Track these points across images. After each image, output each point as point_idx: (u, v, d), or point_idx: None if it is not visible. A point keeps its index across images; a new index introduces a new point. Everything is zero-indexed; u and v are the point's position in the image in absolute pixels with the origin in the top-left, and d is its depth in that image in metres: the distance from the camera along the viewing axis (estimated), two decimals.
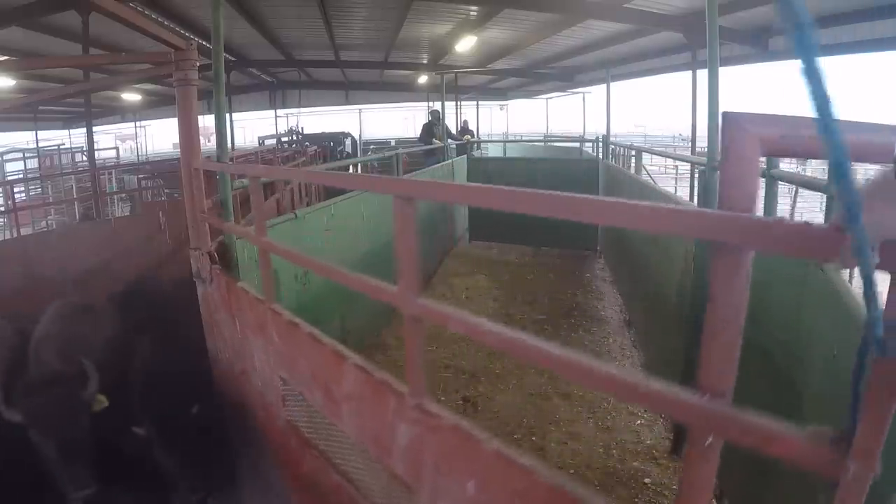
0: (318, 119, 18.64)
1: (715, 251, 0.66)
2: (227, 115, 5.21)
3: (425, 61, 12.49)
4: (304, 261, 1.60)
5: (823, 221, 2.06)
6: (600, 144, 7.66)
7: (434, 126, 9.19)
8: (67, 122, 17.10)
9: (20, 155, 13.85)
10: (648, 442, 3.19)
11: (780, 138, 0.64)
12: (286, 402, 1.77)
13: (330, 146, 12.79)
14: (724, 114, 0.65)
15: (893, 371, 0.58)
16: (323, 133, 14.35)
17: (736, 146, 0.65)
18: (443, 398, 3.66)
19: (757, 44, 7.81)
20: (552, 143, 13.30)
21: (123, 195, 9.37)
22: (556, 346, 0.81)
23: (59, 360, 2.48)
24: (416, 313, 1.04)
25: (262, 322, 1.81)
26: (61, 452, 2.17)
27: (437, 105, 9.18)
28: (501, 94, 18.47)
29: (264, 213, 1.87)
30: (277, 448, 1.91)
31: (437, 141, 8.56)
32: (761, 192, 2.81)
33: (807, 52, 0.51)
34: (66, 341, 2.61)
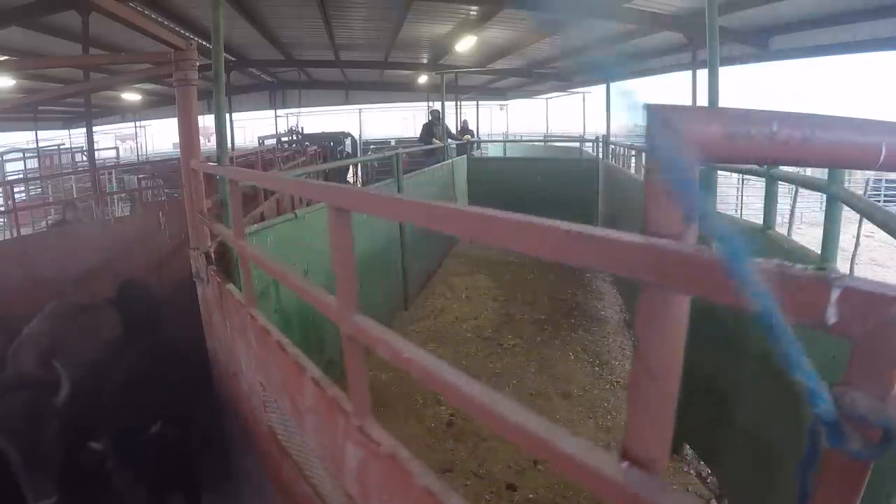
0: (318, 119, 18.64)
1: (641, 286, 0.53)
2: (227, 115, 5.21)
3: (425, 61, 12.48)
4: (268, 268, 1.58)
5: (824, 225, 2.00)
6: (600, 144, 7.67)
7: (434, 126, 9.18)
8: (67, 122, 17.08)
9: (20, 155, 13.84)
10: None
11: (726, 138, 0.49)
12: (266, 407, 1.76)
13: (330, 146, 12.78)
14: (648, 107, 0.50)
15: (850, 468, 0.45)
16: (323, 133, 14.34)
17: (665, 150, 0.49)
18: (442, 398, 3.66)
19: (757, 44, 7.81)
20: (552, 143, 13.31)
21: (123, 195, 9.36)
22: (470, 381, 0.71)
23: (36, 362, 2.40)
24: (351, 332, 0.98)
25: (244, 326, 1.81)
26: (24, 458, 2.10)
27: (437, 105, 9.18)
28: (501, 94, 18.46)
29: (242, 216, 1.86)
30: (263, 452, 1.91)
31: (437, 141, 8.56)
32: (760, 194, 2.81)
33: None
34: (49, 344, 2.53)
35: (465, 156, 8.51)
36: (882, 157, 0.51)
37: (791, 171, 2.54)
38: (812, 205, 10.89)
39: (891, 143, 0.50)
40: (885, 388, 0.41)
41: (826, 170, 2.03)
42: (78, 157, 14.18)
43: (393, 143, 14.79)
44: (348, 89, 16.79)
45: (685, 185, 0.49)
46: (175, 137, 4.38)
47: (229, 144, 5.72)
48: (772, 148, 0.49)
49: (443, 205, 0.74)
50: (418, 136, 9.89)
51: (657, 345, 0.52)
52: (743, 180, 10.32)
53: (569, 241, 0.55)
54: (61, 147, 15.00)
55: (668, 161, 0.49)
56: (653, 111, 0.50)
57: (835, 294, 0.40)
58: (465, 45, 9.47)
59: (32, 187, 11.52)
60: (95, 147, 7.95)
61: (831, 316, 0.40)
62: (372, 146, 15.92)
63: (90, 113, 7.37)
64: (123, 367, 2.57)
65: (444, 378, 0.74)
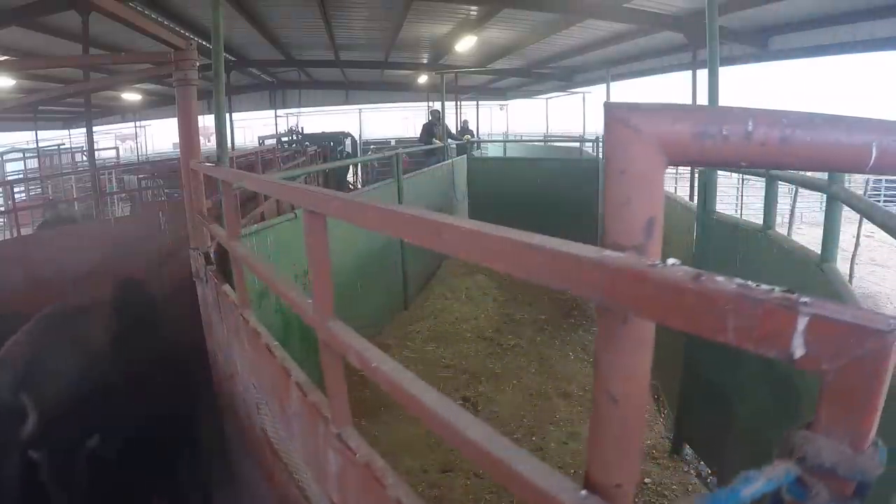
0: (318, 119, 18.62)
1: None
2: (227, 115, 5.21)
3: (425, 61, 12.49)
4: (255, 269, 1.58)
5: (824, 225, 2.01)
6: (600, 144, 7.67)
7: (434, 126, 9.19)
8: (67, 122, 17.08)
9: (20, 155, 13.84)
10: (648, 442, 3.19)
11: (695, 139, 0.44)
12: (259, 409, 1.76)
13: (330, 146, 12.78)
14: (606, 105, 0.46)
15: None
16: (323, 133, 14.35)
17: (622, 154, 0.45)
18: None
19: (757, 44, 7.81)
20: (552, 143, 13.30)
21: (123, 195, 9.37)
22: (436, 397, 0.69)
23: (10, 385, 2.24)
24: (325, 338, 0.97)
25: (237, 327, 1.80)
26: None
27: (437, 105, 9.18)
28: (501, 94, 18.46)
29: (235, 216, 1.86)
30: (258, 454, 1.90)
31: (437, 141, 8.56)
32: (760, 194, 2.81)
33: None
34: (25, 368, 2.35)
35: (464, 156, 8.51)
36: (873, 159, 0.45)
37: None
38: (812, 205, 10.89)
39: (883, 143, 0.45)
40: (859, 435, 0.36)
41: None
42: (78, 157, 14.19)
43: (393, 143, 14.79)
44: (348, 89, 16.79)
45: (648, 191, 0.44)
46: (175, 137, 4.38)
47: (229, 144, 5.73)
48: (747, 149, 0.44)
49: (396, 210, 0.71)
50: (418, 136, 9.89)
51: (618, 369, 0.47)
52: (743, 180, 10.32)
53: (517, 252, 0.50)
54: (61, 147, 15.00)
55: (627, 164, 0.44)
56: (610, 110, 0.45)
57: (802, 322, 0.34)
58: (465, 45, 9.46)
59: (32, 187, 11.52)
60: (95, 147, 7.96)
61: (797, 348, 0.34)
62: (372, 146, 15.91)
63: (90, 113, 7.37)
64: (111, 377, 2.48)
65: (407, 391, 0.73)
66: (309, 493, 1.33)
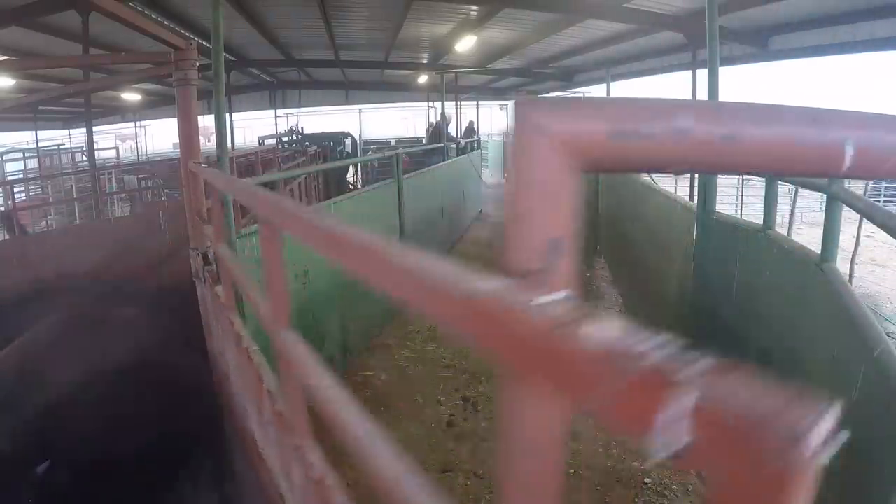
0: (318, 119, 18.62)
1: None
2: (227, 115, 5.21)
3: (425, 61, 12.48)
4: (232, 273, 1.58)
5: (824, 225, 1.99)
6: None
7: (442, 127, 9.22)
8: (67, 122, 17.08)
9: (20, 155, 13.83)
10: None
11: (617, 139, 0.35)
12: (247, 412, 1.76)
13: (330, 146, 12.77)
14: (515, 101, 0.39)
15: None
16: (323, 133, 14.33)
17: (524, 158, 0.36)
18: (442, 398, 3.66)
19: (757, 44, 7.81)
20: None
21: (123, 195, 9.37)
22: (359, 420, 0.69)
23: None
24: (280, 348, 0.95)
25: (228, 328, 1.81)
26: None
27: (437, 105, 9.19)
28: (501, 94, 18.45)
29: (223, 219, 1.87)
30: (250, 457, 1.90)
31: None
32: (760, 194, 2.80)
33: None
34: (17, 381, 2.38)
35: (465, 156, 8.51)
36: (847, 161, 0.37)
37: None
38: (812, 205, 10.88)
39: (860, 140, 0.37)
40: None
41: None
42: (78, 157, 14.17)
43: (393, 143, 14.79)
44: (348, 89, 16.78)
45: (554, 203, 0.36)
46: (175, 137, 4.38)
47: (229, 144, 5.72)
48: (684, 150, 0.36)
49: (335, 230, 0.66)
50: (418, 135, 9.90)
51: (521, 420, 0.37)
52: (743, 180, 10.32)
53: (398, 275, 0.45)
54: (61, 147, 14.99)
55: (529, 171, 0.37)
56: (518, 105, 0.37)
57: (679, 407, 0.23)
58: (465, 45, 9.47)
59: (32, 187, 11.51)
60: (95, 147, 7.96)
61: (668, 439, 0.23)
62: (372, 146, 15.91)
63: (90, 113, 7.38)
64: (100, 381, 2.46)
65: (335, 412, 0.73)
66: (286, 501, 1.33)
